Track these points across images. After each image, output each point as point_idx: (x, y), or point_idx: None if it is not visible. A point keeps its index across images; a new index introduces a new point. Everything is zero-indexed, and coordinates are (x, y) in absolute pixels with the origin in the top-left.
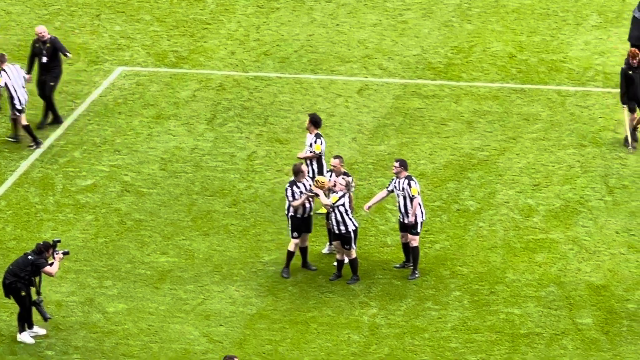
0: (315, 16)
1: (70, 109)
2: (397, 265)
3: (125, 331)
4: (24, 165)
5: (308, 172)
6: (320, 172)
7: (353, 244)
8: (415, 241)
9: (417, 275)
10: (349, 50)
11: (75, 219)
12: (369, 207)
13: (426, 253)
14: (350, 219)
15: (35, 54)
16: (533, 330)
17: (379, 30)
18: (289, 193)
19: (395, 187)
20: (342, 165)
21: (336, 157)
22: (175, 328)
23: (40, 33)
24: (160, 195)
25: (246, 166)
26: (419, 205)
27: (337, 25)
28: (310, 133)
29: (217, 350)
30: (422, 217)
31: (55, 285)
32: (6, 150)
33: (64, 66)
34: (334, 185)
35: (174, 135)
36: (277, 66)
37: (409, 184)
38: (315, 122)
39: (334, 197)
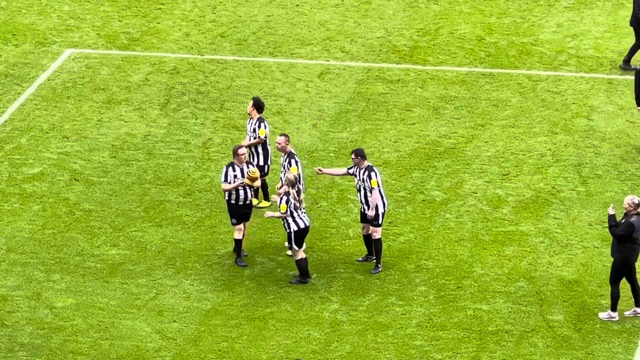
0: None
1: (16, 94)
2: (360, 259)
3: (74, 327)
4: None
5: (253, 159)
6: (266, 158)
7: (294, 245)
8: (377, 233)
9: (380, 269)
10: (310, 32)
11: (22, 209)
12: (322, 171)
13: (390, 246)
14: (294, 219)
15: None
16: (502, 327)
17: (341, 11)
18: (223, 174)
19: (355, 174)
20: (287, 144)
21: (282, 134)
22: (126, 324)
23: None
24: (110, 184)
25: (201, 154)
26: (381, 196)
27: (297, 5)
28: (253, 118)
29: (171, 348)
30: (384, 208)
31: (0, 279)
32: None
33: (9, 48)
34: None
35: (125, 121)
36: (234, 49)
37: (369, 176)
38: (258, 106)
39: (282, 207)
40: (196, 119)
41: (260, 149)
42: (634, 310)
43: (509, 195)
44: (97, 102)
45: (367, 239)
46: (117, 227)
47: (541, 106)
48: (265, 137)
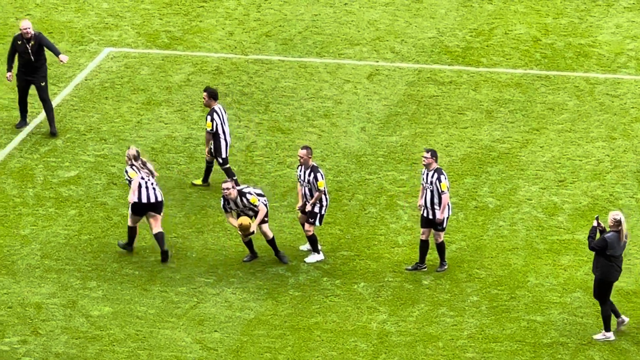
0: None
1: (52, 94)
2: (409, 268)
3: (110, 337)
4: (1, 154)
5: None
6: (218, 152)
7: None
8: (440, 237)
9: (445, 267)
10: (359, 31)
11: (57, 213)
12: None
13: None
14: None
15: (16, 52)
16: (557, 340)
17: (391, 10)
18: (221, 206)
19: (423, 179)
20: (309, 157)
21: (304, 147)
22: (165, 334)
23: (24, 29)
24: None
25: (245, 157)
26: (448, 200)
27: (346, 4)
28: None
29: (211, 358)
30: (449, 212)
31: (34, 286)
32: None
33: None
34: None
35: (165, 123)
36: (279, 48)
37: (438, 179)
38: (212, 94)
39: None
40: (239, 121)
41: (215, 142)
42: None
43: (565, 203)
44: (137, 103)
45: (424, 244)
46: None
47: (599, 110)
48: (212, 130)
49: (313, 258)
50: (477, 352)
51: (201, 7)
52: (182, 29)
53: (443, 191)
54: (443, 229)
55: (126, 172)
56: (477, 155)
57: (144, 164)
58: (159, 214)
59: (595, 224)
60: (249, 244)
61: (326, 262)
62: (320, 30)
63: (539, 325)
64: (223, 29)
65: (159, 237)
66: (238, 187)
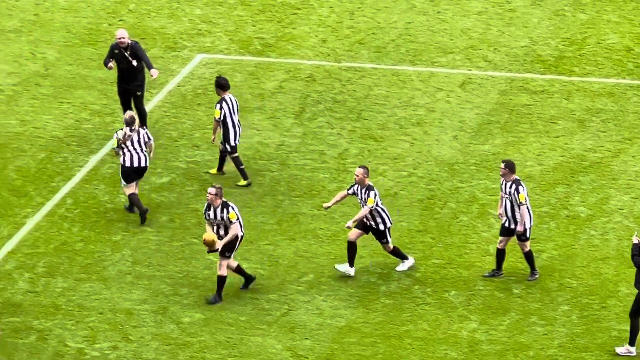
0: (415, 2)
1: (144, 100)
2: (486, 274)
3: (201, 343)
4: (94, 160)
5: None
6: (226, 140)
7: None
8: (526, 247)
9: (536, 275)
10: (451, 40)
11: (149, 219)
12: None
13: None
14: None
15: (115, 60)
16: None
17: (484, 19)
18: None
19: (502, 189)
20: (365, 177)
21: (361, 166)
22: (256, 341)
23: (120, 38)
24: (242, 195)
25: (337, 165)
26: (528, 210)
27: (439, 12)
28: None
29: None
30: (530, 222)
31: (125, 292)
32: (74, 143)
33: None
34: None
35: (258, 130)
36: (372, 56)
37: (516, 190)
38: (221, 85)
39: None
40: (332, 129)
41: (224, 130)
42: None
43: None
44: None
45: (501, 252)
46: (249, 240)
47: None
48: (220, 118)
49: (404, 265)
50: None
51: (294, 14)
52: (275, 36)
53: (521, 202)
54: (527, 239)
55: (116, 135)
56: (569, 164)
57: (136, 131)
58: (141, 178)
59: (635, 241)
60: (238, 270)
61: (417, 270)
62: (414, 38)
63: None
64: (316, 36)
65: (135, 198)
66: (224, 200)
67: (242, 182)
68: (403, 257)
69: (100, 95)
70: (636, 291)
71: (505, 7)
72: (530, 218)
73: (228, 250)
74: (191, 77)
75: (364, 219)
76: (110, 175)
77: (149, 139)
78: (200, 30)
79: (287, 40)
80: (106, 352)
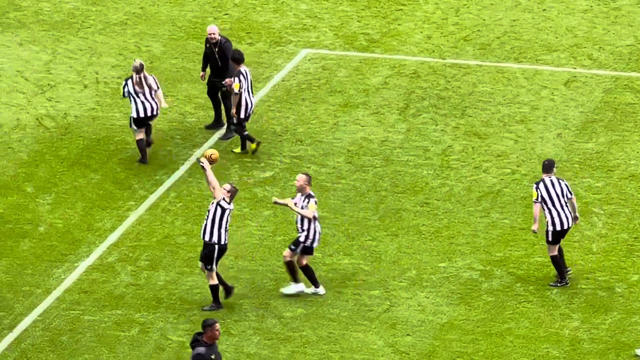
0: (521, 0)
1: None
2: (551, 284)
3: (303, 338)
4: (197, 153)
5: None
6: (237, 112)
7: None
8: (550, 250)
9: (561, 284)
10: (556, 38)
11: (252, 213)
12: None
13: (634, 262)
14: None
15: (206, 54)
16: None
17: (589, 17)
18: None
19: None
20: (307, 185)
21: (303, 173)
22: (357, 336)
23: (211, 34)
24: (345, 190)
25: (440, 161)
26: (550, 212)
27: (544, 10)
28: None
29: None
30: (551, 227)
31: None
32: (178, 137)
33: (243, 46)
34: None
35: (362, 126)
36: (477, 53)
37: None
38: (236, 59)
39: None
40: (436, 125)
41: (239, 103)
42: None
43: None
44: (333, 105)
45: (553, 259)
46: (351, 236)
47: None
48: (239, 90)
49: (292, 289)
50: None
51: (399, 10)
52: (380, 32)
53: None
54: (548, 242)
55: (125, 83)
56: None
57: (144, 78)
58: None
59: None
60: (221, 280)
61: (520, 267)
62: (518, 35)
63: None
64: (421, 32)
65: (149, 143)
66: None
67: (238, 150)
68: (296, 280)
69: (206, 89)
70: None
71: (611, 6)
72: (563, 222)
73: (208, 262)
74: (296, 72)
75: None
76: (214, 169)
77: (157, 87)
78: (305, 25)
79: (392, 36)
80: None
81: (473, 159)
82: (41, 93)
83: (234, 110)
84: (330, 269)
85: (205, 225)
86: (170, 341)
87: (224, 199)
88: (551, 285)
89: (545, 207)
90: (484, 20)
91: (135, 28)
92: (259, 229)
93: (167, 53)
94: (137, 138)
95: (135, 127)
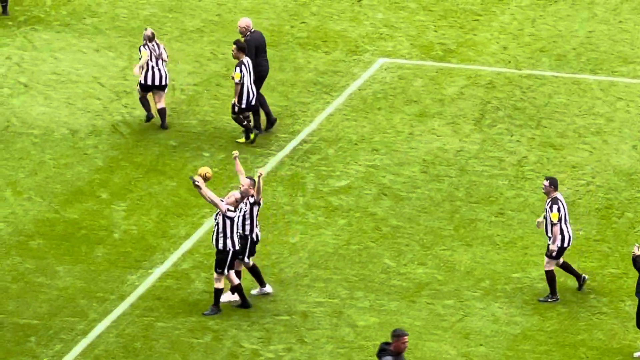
0: (597, 11)
1: (324, 103)
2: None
3: (376, 347)
4: (273, 162)
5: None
6: (239, 101)
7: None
8: (547, 265)
9: (551, 299)
10: (633, 49)
11: (327, 222)
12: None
13: None
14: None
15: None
16: None
17: None
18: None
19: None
20: (251, 189)
21: (248, 177)
22: (431, 346)
23: (240, 27)
24: (420, 200)
25: (516, 172)
26: (561, 230)
27: (621, 22)
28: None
29: None
30: (564, 243)
31: (301, 295)
32: (252, 144)
33: (319, 55)
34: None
35: (437, 136)
36: (553, 64)
37: (550, 208)
38: (242, 48)
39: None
40: (511, 136)
41: (240, 92)
42: None
43: None
44: (409, 115)
45: (563, 268)
46: (425, 245)
47: None
48: (240, 80)
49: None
50: None
51: (476, 20)
52: (457, 42)
53: (553, 222)
54: (551, 257)
55: (140, 51)
56: None
57: (157, 45)
58: (163, 91)
59: (637, 251)
60: (241, 293)
61: (593, 279)
62: (595, 47)
63: None
64: (497, 43)
65: (162, 112)
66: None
67: (242, 140)
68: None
69: (281, 96)
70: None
71: None
72: (564, 239)
73: (221, 267)
74: (372, 81)
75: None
76: (288, 177)
77: (167, 57)
78: (382, 34)
79: (469, 46)
80: (281, 353)
81: (548, 169)
82: (117, 99)
83: (235, 100)
84: (405, 278)
85: (217, 235)
86: (243, 349)
87: (228, 209)
88: (541, 301)
89: (564, 227)
90: (560, 31)
91: (211, 35)
92: (333, 238)
93: None
94: (140, 96)
95: (140, 90)
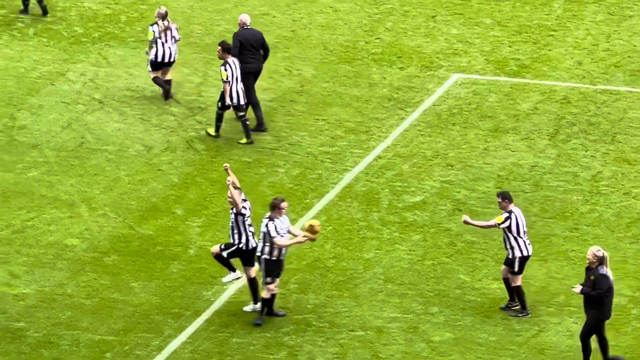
0: None
1: (399, 118)
2: (502, 307)
3: None
4: (348, 177)
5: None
6: (223, 98)
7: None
8: (516, 280)
9: (523, 314)
10: None
11: (401, 238)
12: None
13: None
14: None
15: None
16: None
17: None
18: (272, 229)
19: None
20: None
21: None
22: None
23: (239, 22)
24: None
25: (590, 187)
26: (517, 242)
27: None
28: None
29: None
30: (521, 252)
31: (376, 310)
32: (328, 160)
33: (394, 70)
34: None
35: (512, 151)
36: (627, 79)
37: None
38: (227, 48)
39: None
40: (586, 151)
41: (229, 90)
42: None
43: None
44: (484, 130)
45: (506, 282)
46: (500, 261)
47: None
48: (227, 79)
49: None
50: None
51: (550, 35)
52: (531, 57)
53: (497, 223)
54: (513, 272)
55: (151, 29)
56: None
57: (169, 24)
58: (171, 67)
59: (577, 290)
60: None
61: None
62: None
63: None
64: (572, 58)
65: (168, 83)
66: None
67: (211, 131)
68: (232, 269)
69: (356, 112)
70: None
71: None
72: (521, 249)
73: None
74: (446, 96)
75: None
76: (363, 193)
77: (178, 36)
78: (456, 50)
79: (543, 61)
80: None
81: (623, 185)
82: (191, 115)
83: (227, 98)
84: (479, 294)
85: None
86: None
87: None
88: (512, 316)
89: (513, 236)
90: (635, 46)
91: (286, 51)
92: (408, 253)
93: (318, 77)
94: (153, 76)
95: (151, 69)
